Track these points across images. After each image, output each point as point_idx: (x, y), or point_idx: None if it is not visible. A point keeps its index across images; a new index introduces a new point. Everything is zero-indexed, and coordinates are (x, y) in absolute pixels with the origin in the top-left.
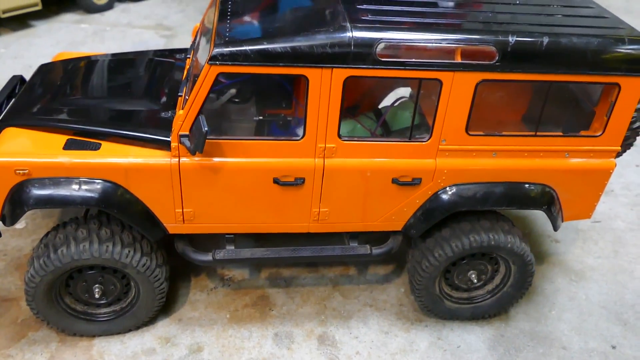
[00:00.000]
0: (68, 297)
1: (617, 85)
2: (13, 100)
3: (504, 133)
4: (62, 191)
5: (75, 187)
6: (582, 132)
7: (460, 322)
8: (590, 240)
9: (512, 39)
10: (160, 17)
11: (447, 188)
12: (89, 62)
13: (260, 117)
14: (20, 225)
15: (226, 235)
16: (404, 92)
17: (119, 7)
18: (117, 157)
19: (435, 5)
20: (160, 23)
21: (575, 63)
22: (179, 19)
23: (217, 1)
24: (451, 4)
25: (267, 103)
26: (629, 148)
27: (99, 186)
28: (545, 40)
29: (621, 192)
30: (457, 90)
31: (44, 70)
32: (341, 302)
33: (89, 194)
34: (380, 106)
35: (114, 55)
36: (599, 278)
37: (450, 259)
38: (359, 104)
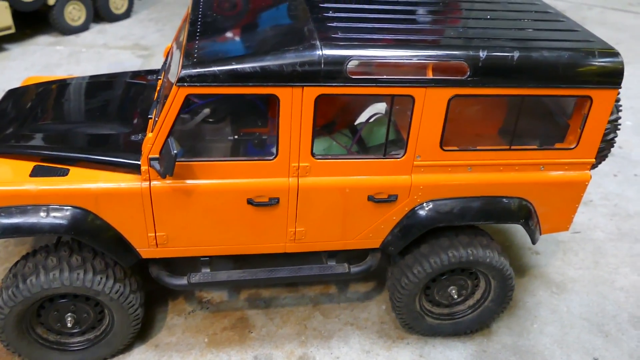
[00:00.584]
0: (39, 327)
1: (589, 97)
2: None
3: (478, 147)
4: (29, 219)
5: (43, 214)
6: (557, 145)
7: (442, 339)
8: (571, 251)
9: (482, 54)
10: (137, 37)
11: (424, 204)
12: (58, 86)
13: (235, 137)
14: None
15: (201, 258)
16: (381, 107)
17: (94, 28)
18: (86, 182)
19: (406, 21)
20: (137, 43)
21: (547, 77)
22: (156, 38)
23: (187, 21)
24: (422, 19)
25: (241, 122)
26: (604, 159)
27: (68, 213)
28: (516, 54)
29: (600, 202)
30: (430, 106)
31: (12, 95)
32: (322, 322)
33: (57, 221)
34: (356, 122)
35: (83, 78)
36: (580, 289)
37: (429, 276)
38: (334, 121)
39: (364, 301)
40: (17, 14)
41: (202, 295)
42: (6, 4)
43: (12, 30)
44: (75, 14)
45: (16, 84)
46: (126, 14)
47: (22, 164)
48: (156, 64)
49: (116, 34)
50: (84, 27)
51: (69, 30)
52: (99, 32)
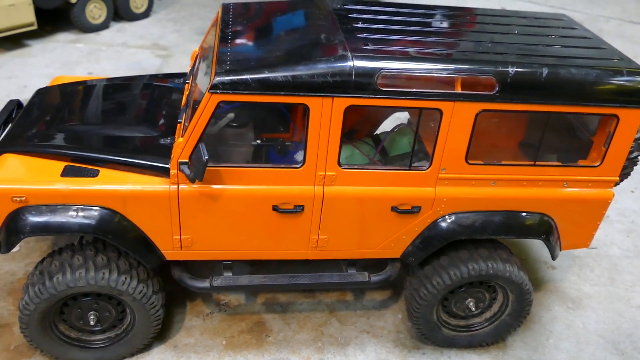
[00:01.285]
0: (62, 324)
1: (616, 116)
2: (10, 125)
3: (503, 162)
4: (58, 218)
5: (73, 214)
6: (581, 162)
7: (458, 350)
8: (587, 267)
9: (511, 69)
10: (155, 37)
11: (446, 216)
12: (87, 87)
13: (258, 142)
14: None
15: (224, 262)
16: (402, 116)
17: (114, 27)
18: (115, 184)
19: (434, 34)
20: (155, 43)
21: (574, 94)
22: (174, 38)
23: (217, 27)
24: (451, 32)
25: (264, 127)
26: (626, 177)
27: (96, 213)
28: (545, 71)
29: (617, 219)
30: (457, 120)
31: (42, 94)
32: (338, 329)
33: (86, 221)
34: (378, 130)
35: (111, 79)
36: (595, 306)
37: (448, 287)
38: (356, 129)
39: (380, 309)
40: (38, 11)
41: (219, 297)
42: (29, 0)
43: (35, 27)
44: (96, 12)
45: (36, 79)
46: (145, 14)
47: (53, 163)
48: (174, 64)
49: (135, 33)
50: (104, 26)
51: (89, 28)
52: (118, 31)
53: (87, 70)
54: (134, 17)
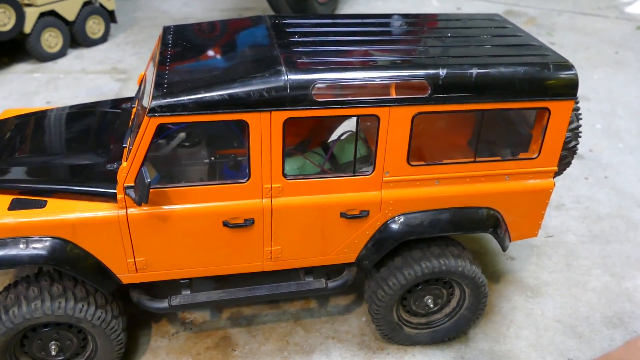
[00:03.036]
0: (24, 357)
1: (547, 109)
2: None
3: (444, 161)
4: (9, 252)
5: (23, 246)
6: (521, 155)
7: (422, 347)
8: (544, 255)
9: (442, 72)
10: (114, 61)
11: (395, 218)
12: (36, 118)
13: (211, 159)
14: None
15: (181, 281)
16: (352, 124)
17: (72, 54)
18: (63, 213)
19: (369, 43)
20: (114, 67)
21: (505, 92)
22: (133, 61)
23: (158, 48)
24: (385, 40)
25: (215, 145)
26: (567, 166)
27: (47, 243)
28: (474, 71)
29: (572, 206)
30: (395, 124)
31: None
32: (303, 337)
33: (37, 252)
34: (329, 140)
35: (60, 109)
36: (553, 292)
37: (404, 287)
38: (307, 140)
39: (344, 314)
40: None
41: (184, 316)
42: None
43: None
44: (51, 40)
45: None
46: (103, 38)
47: (0, 197)
48: (134, 87)
49: (94, 59)
50: (61, 53)
51: (46, 57)
52: (76, 58)
53: (46, 99)
54: (91, 43)
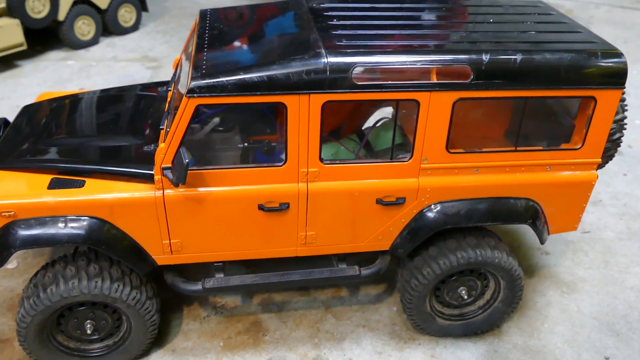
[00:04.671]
0: (60, 335)
1: (593, 98)
2: None
3: (484, 149)
4: (48, 230)
5: (61, 225)
6: (563, 145)
7: (453, 339)
8: (581, 251)
9: (485, 57)
10: (145, 50)
11: (432, 206)
12: (72, 101)
13: (245, 145)
14: (11, 265)
15: (215, 264)
16: (387, 111)
17: (104, 42)
18: (101, 193)
19: (409, 27)
20: (145, 55)
21: (549, 79)
22: (164, 50)
23: (195, 33)
24: (426, 24)
25: (250, 130)
26: (610, 159)
27: (85, 223)
28: (519, 57)
29: (609, 202)
30: (435, 110)
31: (28, 111)
32: (334, 324)
33: (75, 232)
34: (363, 127)
35: (96, 92)
36: (590, 289)
37: (438, 277)
38: (342, 127)
39: (375, 303)
40: (28, 31)
41: (216, 300)
42: (17, 21)
43: (24, 47)
44: (84, 28)
45: (29, 99)
46: (134, 27)
47: (40, 177)
48: (165, 75)
49: (125, 47)
50: (93, 41)
51: (79, 45)
52: (108, 46)
53: (79, 86)
54: (123, 31)
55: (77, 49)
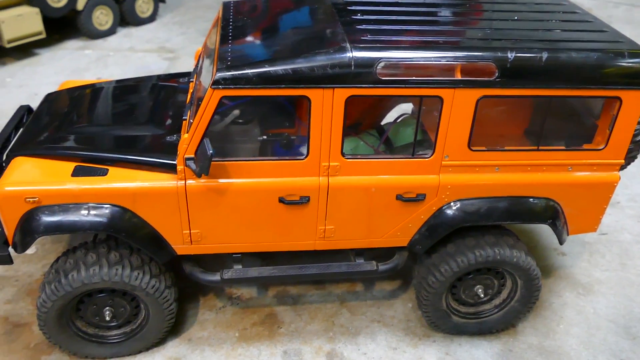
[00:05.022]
0: (79, 320)
1: (618, 98)
2: (21, 130)
3: (506, 148)
4: (71, 217)
5: (84, 212)
6: (585, 146)
7: (468, 337)
8: (597, 253)
9: (511, 55)
10: (162, 40)
11: (452, 203)
12: (94, 90)
13: (264, 137)
14: (30, 251)
15: (233, 255)
16: (407, 107)
17: (121, 32)
18: (124, 181)
19: (434, 23)
20: (162, 46)
21: (575, 78)
22: (180, 41)
23: (218, 25)
24: (450, 20)
25: (269, 123)
26: (632, 160)
27: (107, 211)
28: (545, 55)
29: (627, 204)
30: (458, 107)
31: (50, 99)
32: (349, 319)
33: (97, 219)
34: (383, 122)
35: (118, 81)
36: (606, 291)
37: (455, 274)
38: (361, 122)
39: (389, 299)
40: (46, 20)
41: (231, 291)
42: (37, 9)
43: (43, 36)
44: (102, 18)
45: (47, 87)
46: (151, 18)
47: (64, 164)
48: (181, 66)
49: (142, 38)
50: (110, 32)
51: (96, 35)
52: (125, 36)
53: (96, 76)
54: (140, 22)
55: (94, 38)
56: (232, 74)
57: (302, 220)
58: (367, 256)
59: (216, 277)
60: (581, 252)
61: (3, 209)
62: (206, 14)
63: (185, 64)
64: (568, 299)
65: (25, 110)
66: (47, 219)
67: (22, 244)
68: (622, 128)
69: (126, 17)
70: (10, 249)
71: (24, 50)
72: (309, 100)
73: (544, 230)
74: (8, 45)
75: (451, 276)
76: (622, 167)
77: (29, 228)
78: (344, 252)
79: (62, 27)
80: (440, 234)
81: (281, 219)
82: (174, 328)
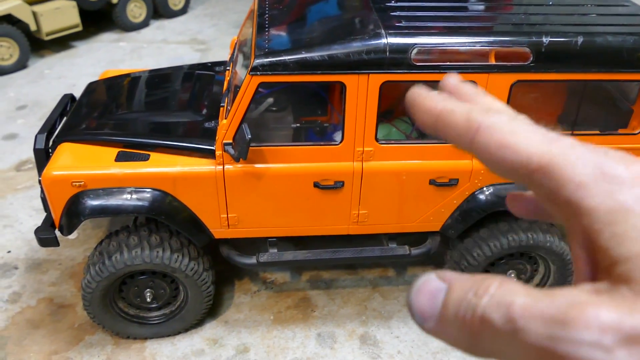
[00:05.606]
0: (121, 301)
1: None
2: (66, 117)
3: None
4: (115, 201)
5: (127, 196)
6: (620, 130)
7: None
8: None
9: (545, 39)
10: (194, 32)
11: (484, 188)
12: (133, 78)
13: (298, 125)
14: (72, 236)
15: (268, 239)
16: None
17: (154, 25)
18: (165, 166)
19: (467, 9)
20: (194, 38)
21: (611, 61)
22: (212, 32)
23: (254, 15)
24: (483, 6)
25: (303, 111)
26: None
27: (148, 195)
28: (580, 39)
29: None
30: (492, 92)
31: (92, 88)
32: (381, 303)
33: (139, 203)
34: None
35: (155, 70)
36: None
37: (488, 259)
38: (393, 109)
39: None
40: (82, 13)
41: (266, 276)
42: (73, 3)
43: (80, 28)
44: (136, 11)
45: (84, 78)
46: (183, 10)
47: (107, 150)
48: (213, 57)
49: (174, 30)
50: (144, 24)
51: (130, 27)
52: (158, 28)
53: (131, 67)
54: (172, 14)
55: (128, 31)
56: (270, 61)
57: (336, 205)
58: (399, 241)
59: (252, 260)
60: None
61: (51, 192)
62: (236, 6)
63: (217, 55)
64: None
65: (69, 99)
66: (93, 202)
67: (68, 227)
68: None
69: (159, 10)
70: (57, 232)
71: (61, 42)
72: (344, 86)
73: None
74: (46, 38)
75: (484, 261)
76: None
77: (75, 211)
78: (377, 237)
79: (97, 20)
80: (473, 218)
81: (316, 204)
82: (211, 310)
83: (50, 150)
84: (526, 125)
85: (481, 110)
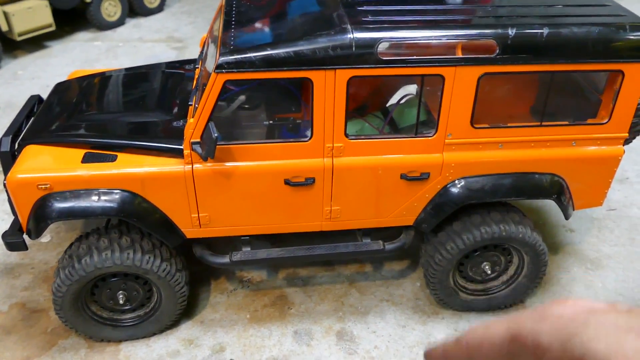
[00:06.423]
0: (94, 304)
1: (621, 72)
2: (32, 119)
3: (509, 124)
4: (82, 203)
5: (95, 198)
6: (589, 120)
7: (477, 314)
8: (606, 228)
9: (511, 31)
10: (170, 30)
11: (456, 181)
12: (103, 78)
13: (270, 122)
14: (45, 239)
15: (242, 238)
16: (411, 89)
17: (130, 23)
18: (133, 167)
19: (434, 2)
20: (171, 36)
21: (577, 52)
22: (188, 30)
23: (222, 12)
24: (450, 0)
25: (275, 108)
26: (638, 134)
27: (117, 196)
28: (545, 31)
29: (636, 180)
30: (460, 85)
31: (60, 88)
32: (358, 299)
33: (108, 204)
34: (388, 104)
35: (126, 69)
36: (615, 266)
37: (462, 252)
38: (366, 104)
39: (398, 279)
40: (56, 12)
41: (242, 274)
42: (46, 2)
43: (53, 28)
44: (111, 9)
45: (59, 79)
46: (159, 8)
47: (74, 151)
48: (190, 55)
49: (150, 28)
50: (119, 22)
51: (105, 26)
52: (134, 27)
53: (106, 66)
54: (148, 12)
55: (104, 29)
56: (235, 58)
57: (308, 202)
58: (374, 236)
59: (225, 259)
60: (589, 228)
61: (16, 196)
62: (214, 3)
63: (194, 53)
64: (576, 274)
65: (35, 100)
66: (59, 205)
67: (36, 230)
68: (625, 101)
69: (134, 8)
70: (25, 236)
71: (34, 42)
72: (311, 82)
73: (552, 208)
74: (19, 38)
75: (458, 253)
76: (627, 141)
77: (42, 214)
78: (352, 233)
79: (71, 19)
80: (446, 212)
81: (287, 201)
82: (187, 311)
83: (16, 152)
84: None
85: None
